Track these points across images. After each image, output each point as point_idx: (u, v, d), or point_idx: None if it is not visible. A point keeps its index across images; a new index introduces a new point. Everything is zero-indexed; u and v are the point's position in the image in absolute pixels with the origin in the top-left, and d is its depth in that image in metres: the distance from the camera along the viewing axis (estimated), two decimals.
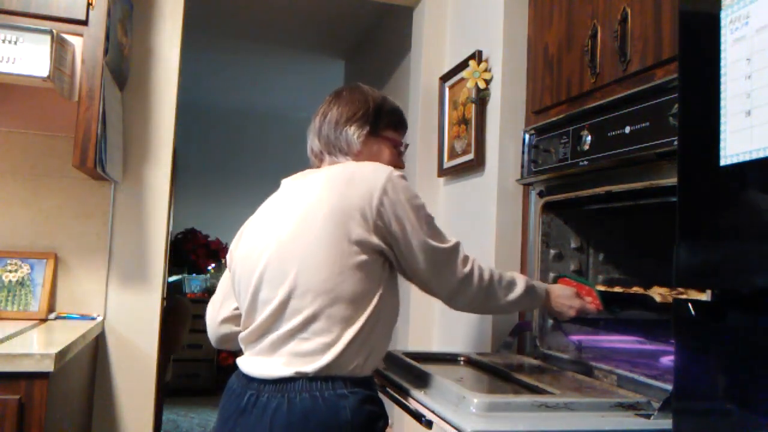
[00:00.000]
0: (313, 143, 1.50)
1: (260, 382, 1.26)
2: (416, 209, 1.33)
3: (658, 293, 1.48)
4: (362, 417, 1.22)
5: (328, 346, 1.23)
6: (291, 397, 1.21)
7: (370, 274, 1.27)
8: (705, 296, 1.34)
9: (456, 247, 1.37)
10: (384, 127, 1.50)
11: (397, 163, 1.53)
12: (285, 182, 1.48)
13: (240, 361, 1.35)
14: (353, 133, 1.45)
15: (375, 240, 1.27)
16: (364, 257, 1.26)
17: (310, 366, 1.22)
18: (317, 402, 1.20)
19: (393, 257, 1.32)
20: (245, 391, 1.28)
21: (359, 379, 1.26)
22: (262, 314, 1.29)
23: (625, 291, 1.63)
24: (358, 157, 1.45)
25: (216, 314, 1.49)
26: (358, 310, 1.25)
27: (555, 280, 1.73)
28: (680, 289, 1.52)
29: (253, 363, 1.30)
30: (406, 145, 1.58)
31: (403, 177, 1.36)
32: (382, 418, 1.29)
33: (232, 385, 1.34)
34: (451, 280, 1.35)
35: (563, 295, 1.56)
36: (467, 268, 1.36)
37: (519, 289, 1.44)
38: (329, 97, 1.53)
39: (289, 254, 1.28)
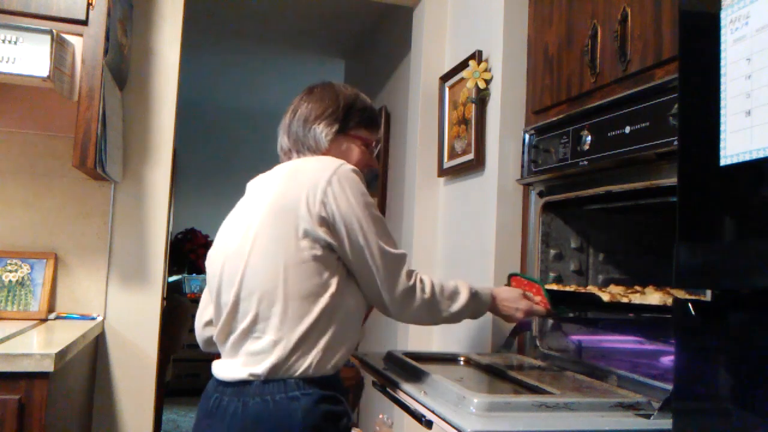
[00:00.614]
0: (282, 140, 1.49)
1: (224, 385, 1.29)
2: (365, 206, 1.30)
3: (607, 293, 1.47)
4: (316, 418, 1.22)
5: (275, 344, 1.24)
6: (245, 401, 1.23)
7: (320, 269, 1.26)
8: (656, 298, 1.35)
9: (403, 257, 1.34)
10: (354, 125, 1.48)
11: (368, 162, 1.51)
12: (249, 184, 1.48)
13: (213, 364, 1.37)
14: (321, 131, 1.43)
15: (321, 234, 1.25)
16: (311, 252, 1.25)
17: (261, 366, 1.23)
18: (269, 406, 1.21)
19: (341, 253, 1.29)
20: (213, 394, 1.31)
21: (314, 379, 1.24)
22: (222, 316, 1.32)
23: (576, 290, 1.60)
24: (326, 155, 1.43)
25: (200, 317, 1.50)
26: (309, 307, 1.24)
27: (508, 279, 1.72)
28: (637, 287, 1.53)
29: (220, 366, 1.33)
30: (377, 143, 1.56)
31: (356, 172, 1.33)
32: (343, 417, 1.28)
33: (207, 387, 1.37)
34: (395, 291, 1.31)
35: (509, 298, 1.54)
36: (411, 281, 1.33)
37: (462, 298, 1.42)
38: (301, 93, 1.51)
39: (239, 255, 1.29)
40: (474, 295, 1.44)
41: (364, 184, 1.35)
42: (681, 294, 1.42)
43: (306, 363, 1.24)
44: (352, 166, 1.35)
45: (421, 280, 1.36)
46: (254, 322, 1.26)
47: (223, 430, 1.24)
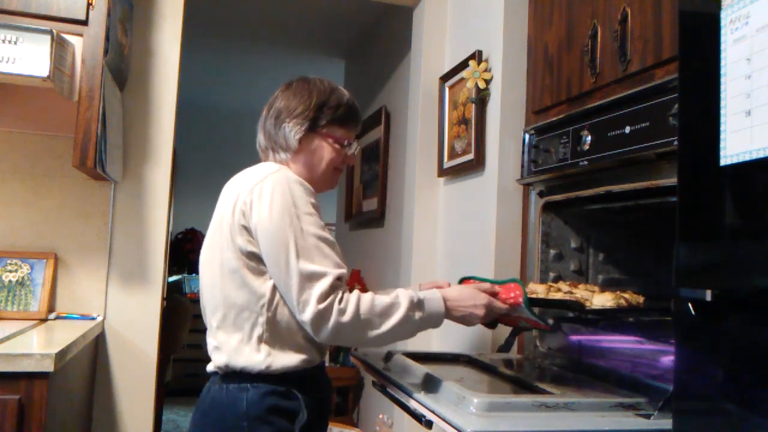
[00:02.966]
0: (259, 138, 1.48)
1: (209, 375, 1.41)
2: (288, 216, 1.25)
3: (556, 288, 1.47)
4: (260, 409, 1.27)
5: (219, 349, 1.33)
6: (210, 387, 1.35)
7: (249, 279, 1.28)
8: (606, 299, 1.37)
9: (320, 276, 1.23)
10: (327, 123, 1.42)
11: (344, 160, 1.46)
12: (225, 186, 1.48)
13: None
14: (291, 130, 1.40)
15: (245, 244, 1.29)
16: (238, 262, 1.29)
17: (218, 362, 1.33)
18: (222, 393, 1.31)
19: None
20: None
21: (267, 375, 1.29)
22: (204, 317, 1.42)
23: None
24: (297, 155, 1.42)
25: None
26: (251, 314, 1.28)
27: (460, 283, 1.58)
28: (589, 286, 1.56)
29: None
30: (349, 143, 1.47)
31: (293, 181, 1.29)
32: (293, 412, 1.30)
33: None
34: (304, 313, 1.23)
35: (463, 297, 1.38)
36: (324, 304, 1.22)
37: (399, 312, 1.28)
38: (280, 87, 1.48)
39: (202, 264, 1.39)
40: (418, 304, 1.31)
41: (305, 191, 1.30)
42: (630, 296, 1.46)
43: (255, 361, 1.29)
44: (289, 174, 1.31)
45: (342, 301, 1.23)
46: (215, 325, 1.35)
47: (195, 413, 1.38)
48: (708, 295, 0.84)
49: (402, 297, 1.30)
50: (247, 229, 1.28)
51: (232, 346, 1.30)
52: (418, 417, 1.23)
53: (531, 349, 1.78)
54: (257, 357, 1.28)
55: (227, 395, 1.30)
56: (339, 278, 1.25)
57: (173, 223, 5.32)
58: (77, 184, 2.20)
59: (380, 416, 2.82)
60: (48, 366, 1.47)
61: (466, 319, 1.39)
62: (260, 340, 1.28)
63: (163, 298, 2.37)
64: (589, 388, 1.37)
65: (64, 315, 2.12)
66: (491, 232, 1.96)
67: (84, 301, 2.17)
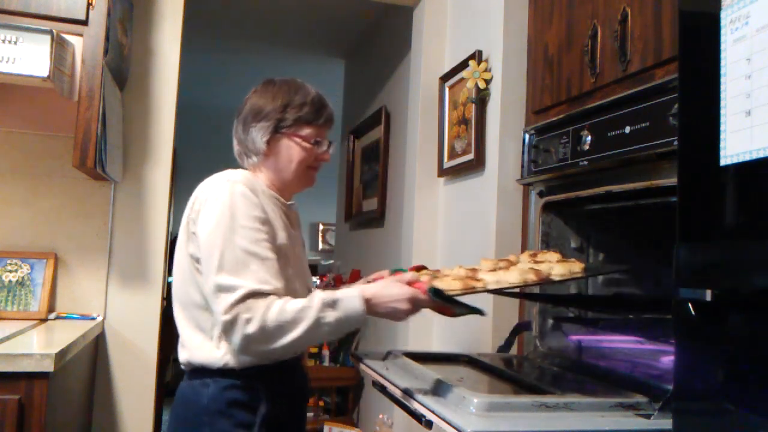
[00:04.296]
0: (234, 144, 1.48)
1: None
2: (222, 227, 1.26)
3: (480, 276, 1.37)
4: (220, 403, 1.31)
5: (183, 345, 1.37)
6: (181, 383, 1.39)
7: (199, 282, 1.32)
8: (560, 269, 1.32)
9: (231, 288, 1.22)
10: (293, 123, 1.40)
11: (317, 158, 1.43)
12: None
13: None
14: (257, 133, 1.40)
15: (192, 248, 1.33)
16: (191, 266, 1.34)
17: (183, 358, 1.37)
18: (188, 389, 1.36)
19: None
20: None
21: (229, 371, 1.31)
22: None
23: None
24: (266, 158, 1.42)
25: None
26: (210, 314, 1.30)
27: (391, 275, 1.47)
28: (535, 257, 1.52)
29: None
30: (319, 141, 1.43)
31: (237, 193, 1.28)
32: (250, 406, 1.32)
33: None
34: (217, 323, 1.26)
35: (385, 293, 1.29)
36: (230, 315, 1.21)
37: (311, 315, 1.23)
38: (249, 92, 1.48)
39: (174, 263, 1.43)
40: (331, 305, 1.25)
41: (249, 204, 1.29)
42: (573, 264, 1.41)
43: (211, 360, 1.31)
44: (237, 187, 1.30)
45: (249, 311, 1.21)
46: (177, 322, 1.40)
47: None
48: (708, 295, 0.84)
49: (315, 299, 1.25)
50: (195, 235, 1.33)
51: (194, 343, 1.34)
52: (418, 417, 1.23)
53: (531, 349, 1.78)
54: (216, 354, 1.31)
55: (191, 390, 1.35)
56: (256, 293, 1.22)
57: (173, 223, 5.31)
58: (77, 184, 2.20)
59: (380, 416, 2.82)
60: (48, 366, 1.47)
61: (391, 315, 1.30)
62: (220, 338, 1.31)
63: (163, 298, 2.36)
64: (589, 388, 1.37)
65: (64, 315, 2.12)
66: (491, 232, 1.96)
67: (84, 301, 2.17)
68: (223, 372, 1.31)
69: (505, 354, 1.76)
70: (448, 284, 1.31)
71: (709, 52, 0.83)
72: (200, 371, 1.34)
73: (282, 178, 1.43)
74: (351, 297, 1.27)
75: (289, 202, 1.49)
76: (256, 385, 1.33)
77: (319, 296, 1.27)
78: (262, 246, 1.28)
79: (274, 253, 1.30)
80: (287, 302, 1.24)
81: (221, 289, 1.23)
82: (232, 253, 1.25)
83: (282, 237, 1.36)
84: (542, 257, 1.51)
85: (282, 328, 1.22)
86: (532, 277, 1.35)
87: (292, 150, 1.41)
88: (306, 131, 1.41)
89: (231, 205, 1.28)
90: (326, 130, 1.45)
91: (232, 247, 1.25)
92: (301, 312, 1.23)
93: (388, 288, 1.30)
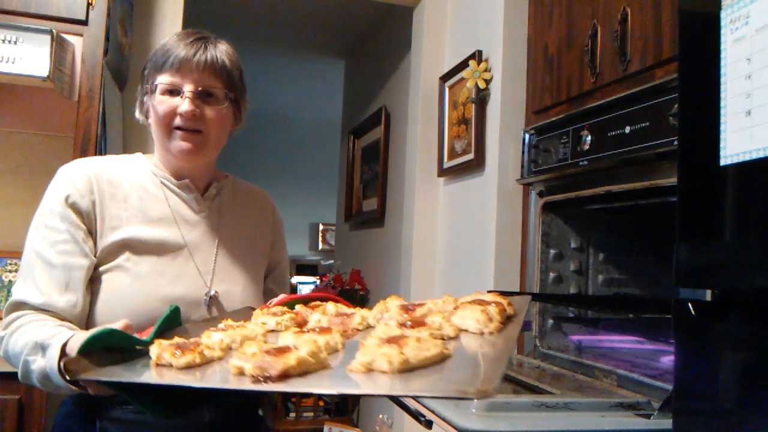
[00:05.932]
0: None
1: None
2: (34, 225, 1.18)
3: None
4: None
5: None
6: None
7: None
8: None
9: (12, 293, 1.12)
10: (147, 77, 1.23)
11: (174, 112, 1.18)
12: None
13: None
14: (137, 105, 1.29)
15: None
16: None
17: None
18: None
19: None
20: None
21: None
22: None
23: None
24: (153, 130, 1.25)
25: None
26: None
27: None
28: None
29: None
30: (176, 90, 1.18)
31: (65, 182, 1.17)
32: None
33: None
34: None
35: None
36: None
37: (22, 355, 1.02)
38: None
39: None
40: (40, 349, 0.99)
41: (56, 199, 1.16)
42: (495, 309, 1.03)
43: None
44: (65, 170, 1.22)
45: (7, 326, 1.08)
46: None
47: None
48: (708, 295, 0.84)
49: (38, 336, 1.01)
50: None
51: None
52: (417, 417, 1.23)
53: (531, 349, 1.78)
54: None
55: None
56: (20, 305, 1.09)
57: None
58: None
59: (380, 416, 2.82)
60: None
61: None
62: None
63: None
64: (589, 388, 1.37)
65: None
66: (491, 232, 1.96)
67: None
68: None
69: None
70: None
71: (709, 52, 0.82)
72: None
73: (160, 148, 1.24)
74: (54, 346, 0.96)
75: (212, 185, 1.30)
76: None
77: (42, 332, 1.01)
78: (58, 249, 1.12)
79: (83, 258, 1.12)
80: (30, 328, 1.04)
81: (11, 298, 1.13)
82: (26, 254, 1.16)
83: (133, 231, 1.17)
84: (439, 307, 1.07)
85: (12, 358, 1.06)
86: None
87: (153, 108, 1.20)
88: (159, 79, 1.18)
89: (45, 198, 1.18)
90: (185, 78, 1.18)
91: (29, 248, 1.16)
92: (24, 346, 1.02)
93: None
